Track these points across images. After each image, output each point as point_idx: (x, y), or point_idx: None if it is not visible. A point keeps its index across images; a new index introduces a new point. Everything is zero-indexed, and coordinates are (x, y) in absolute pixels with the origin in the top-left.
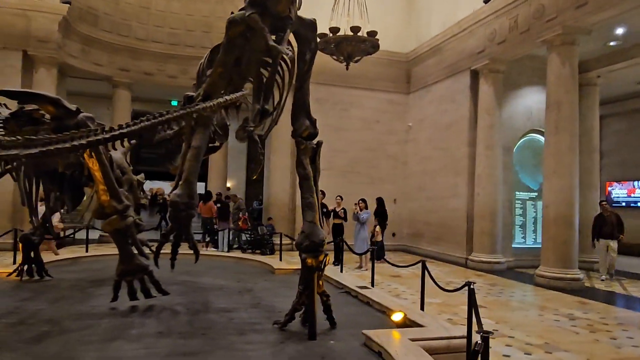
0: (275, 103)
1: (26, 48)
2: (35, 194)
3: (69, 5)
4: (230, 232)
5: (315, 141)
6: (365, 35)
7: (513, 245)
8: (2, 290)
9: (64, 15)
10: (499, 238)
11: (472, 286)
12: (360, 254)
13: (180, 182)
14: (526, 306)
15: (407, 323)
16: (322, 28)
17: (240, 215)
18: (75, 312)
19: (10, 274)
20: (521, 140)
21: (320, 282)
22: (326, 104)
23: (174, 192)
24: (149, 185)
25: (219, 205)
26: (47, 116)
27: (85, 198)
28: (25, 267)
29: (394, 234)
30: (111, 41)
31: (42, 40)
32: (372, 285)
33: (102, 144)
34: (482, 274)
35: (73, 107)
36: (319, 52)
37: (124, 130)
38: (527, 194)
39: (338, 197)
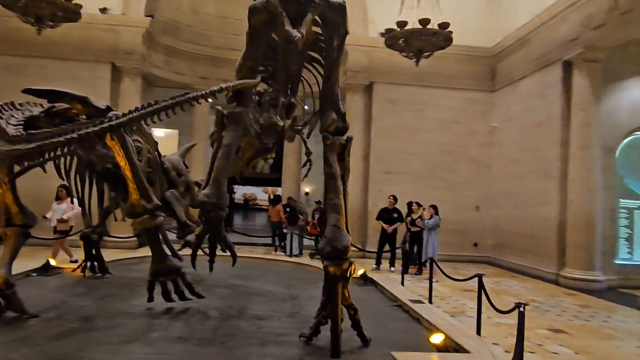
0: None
1: (114, 60)
2: (89, 193)
3: (151, 18)
4: (298, 237)
5: (345, 137)
6: (437, 27)
7: (616, 262)
8: (62, 285)
9: (147, 28)
10: (597, 252)
11: (522, 308)
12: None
13: (209, 182)
14: (622, 335)
15: (451, 346)
16: (390, 23)
17: (310, 219)
18: (113, 311)
19: (74, 270)
20: (626, 140)
21: (347, 294)
22: (399, 105)
23: (203, 192)
24: (242, 190)
25: (288, 209)
26: (83, 116)
27: None
28: (88, 263)
29: (475, 244)
30: (192, 51)
31: (127, 53)
32: (430, 299)
33: (92, 137)
34: (575, 293)
35: (102, 105)
36: (389, 50)
37: (113, 122)
38: (634, 201)
39: (414, 205)
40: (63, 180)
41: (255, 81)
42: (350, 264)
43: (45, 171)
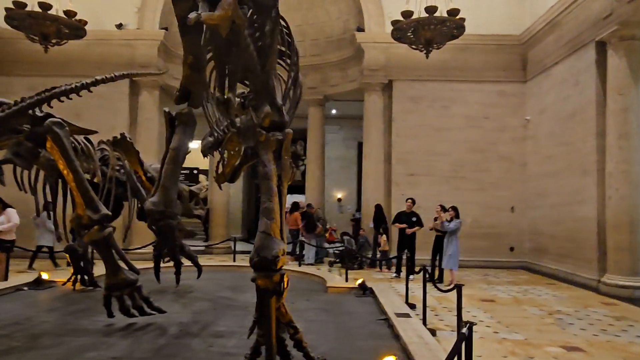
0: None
1: None
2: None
3: (165, 30)
4: (316, 245)
5: (282, 133)
6: (446, 15)
7: None
8: (44, 299)
9: (162, 41)
10: None
11: (464, 330)
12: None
13: (156, 189)
14: None
15: None
16: (396, 15)
17: (328, 226)
18: (70, 328)
19: (64, 283)
20: None
21: (283, 309)
22: (422, 102)
23: (149, 199)
24: (291, 199)
25: (305, 216)
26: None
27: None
28: (78, 276)
29: (512, 249)
30: (210, 60)
31: (144, 66)
32: (424, 312)
33: None
34: (614, 303)
35: (41, 113)
36: (405, 46)
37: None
38: None
39: (438, 207)
40: (26, 192)
41: (151, 72)
42: (283, 275)
43: (3, 184)
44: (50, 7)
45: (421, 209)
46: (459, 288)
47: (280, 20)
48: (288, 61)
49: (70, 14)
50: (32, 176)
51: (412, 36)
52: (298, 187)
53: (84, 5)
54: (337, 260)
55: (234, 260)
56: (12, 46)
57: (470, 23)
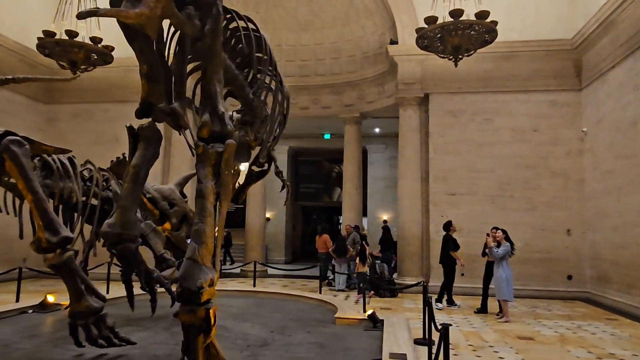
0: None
1: None
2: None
3: None
4: (347, 270)
5: (222, 144)
6: (474, 19)
7: None
8: (35, 323)
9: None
10: None
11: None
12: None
13: (115, 210)
14: None
15: None
16: (421, 22)
17: (358, 249)
18: (39, 356)
19: (66, 307)
20: None
21: (214, 350)
22: (463, 116)
23: (106, 221)
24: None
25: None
26: None
27: None
28: None
29: (569, 277)
30: None
31: None
32: (426, 344)
33: None
34: None
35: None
36: (437, 57)
37: None
38: None
39: (493, 229)
40: (15, 216)
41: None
42: (208, 310)
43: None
44: (76, 34)
45: (463, 231)
46: (445, 330)
47: (249, 23)
48: (265, 69)
49: (96, 40)
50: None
51: (439, 44)
52: (336, 209)
53: (113, 33)
54: (368, 286)
55: (254, 285)
56: (56, 75)
57: (514, 29)
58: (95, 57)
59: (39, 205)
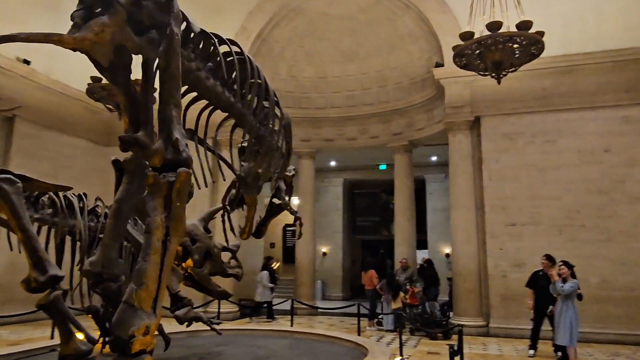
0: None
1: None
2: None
3: None
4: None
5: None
6: (516, 30)
7: None
8: None
9: None
10: None
11: None
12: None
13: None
14: None
15: None
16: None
17: (409, 287)
18: None
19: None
20: None
21: None
22: (520, 139)
23: (89, 259)
24: (421, 255)
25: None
26: None
27: None
28: (106, 338)
29: None
30: (292, 115)
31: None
32: None
33: None
34: None
35: None
36: (488, 78)
37: None
38: None
39: (561, 264)
40: (20, 253)
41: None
42: None
43: None
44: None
45: (526, 266)
46: None
47: (233, 46)
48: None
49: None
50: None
51: (479, 62)
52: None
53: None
54: (419, 326)
55: (291, 325)
56: (107, 120)
57: (573, 41)
58: None
59: (29, 243)
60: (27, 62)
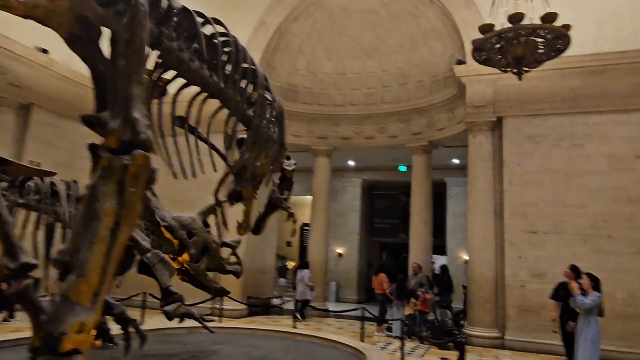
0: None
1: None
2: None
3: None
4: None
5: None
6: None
7: None
8: None
9: None
10: None
11: None
12: None
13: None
14: None
15: None
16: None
17: (420, 293)
18: None
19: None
20: None
21: None
22: (545, 142)
23: (59, 248)
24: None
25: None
26: None
27: None
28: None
29: None
30: (310, 112)
31: None
32: None
33: None
34: None
35: None
36: (512, 76)
37: None
38: None
39: (586, 276)
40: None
41: None
42: None
43: None
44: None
45: (547, 276)
46: None
47: (218, 26)
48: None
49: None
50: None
51: (500, 57)
52: (406, 245)
53: None
54: (430, 335)
55: (294, 327)
56: None
57: (607, 39)
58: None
59: (1, 229)
60: (45, 51)
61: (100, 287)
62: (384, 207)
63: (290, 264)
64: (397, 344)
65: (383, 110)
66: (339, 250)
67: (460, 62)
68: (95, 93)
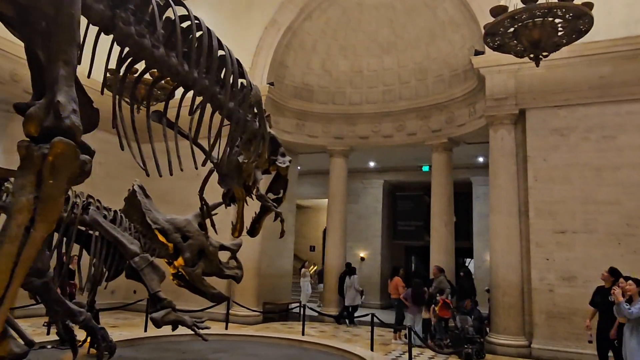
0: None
1: None
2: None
3: (271, 85)
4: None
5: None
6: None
7: None
8: None
9: (267, 96)
10: None
11: None
12: None
13: None
14: None
15: None
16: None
17: (439, 297)
18: None
19: (80, 344)
20: None
21: None
22: (573, 134)
23: None
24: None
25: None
26: None
27: None
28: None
29: None
30: (325, 111)
31: None
32: None
33: None
34: None
35: None
36: (541, 65)
37: None
38: None
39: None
40: None
41: None
42: None
43: None
44: (137, 71)
45: (578, 280)
46: None
47: (179, 7)
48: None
49: (154, 74)
50: None
51: (515, 42)
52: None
53: None
54: (449, 342)
55: (302, 334)
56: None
57: (639, 21)
58: (159, 92)
59: None
60: None
61: (7, 292)
62: (408, 208)
63: (312, 269)
64: (414, 351)
65: (401, 108)
66: (362, 254)
67: (478, 52)
68: (32, 78)
